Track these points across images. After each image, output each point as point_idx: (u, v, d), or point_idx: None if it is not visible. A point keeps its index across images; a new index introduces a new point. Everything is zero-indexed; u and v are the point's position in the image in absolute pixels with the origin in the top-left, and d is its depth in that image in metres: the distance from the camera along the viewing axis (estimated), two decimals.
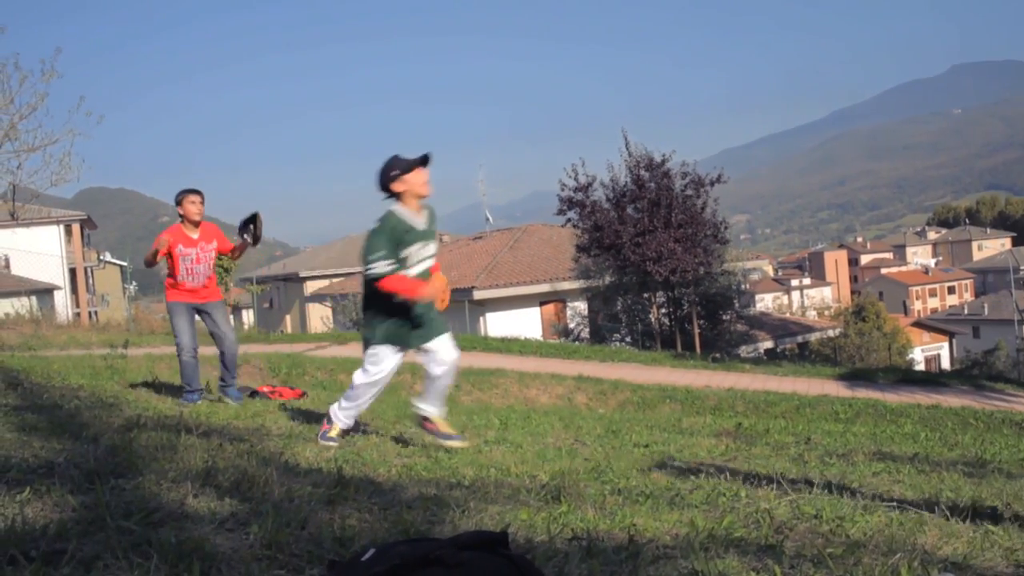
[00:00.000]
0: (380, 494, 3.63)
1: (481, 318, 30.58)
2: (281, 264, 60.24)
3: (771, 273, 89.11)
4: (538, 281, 31.34)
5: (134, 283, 42.80)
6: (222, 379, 8.12)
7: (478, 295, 29.87)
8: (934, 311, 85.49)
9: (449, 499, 3.52)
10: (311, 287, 46.41)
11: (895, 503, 3.97)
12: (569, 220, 24.73)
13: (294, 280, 48.71)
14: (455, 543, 2.15)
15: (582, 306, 30.54)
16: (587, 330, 29.92)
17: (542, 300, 31.87)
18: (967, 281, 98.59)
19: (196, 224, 7.70)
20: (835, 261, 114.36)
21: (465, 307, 29.74)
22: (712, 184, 23.84)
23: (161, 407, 6.64)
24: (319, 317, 42.37)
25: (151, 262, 7.58)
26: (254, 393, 9.03)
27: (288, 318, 50.01)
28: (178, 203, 7.70)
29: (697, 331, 25.14)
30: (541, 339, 27.78)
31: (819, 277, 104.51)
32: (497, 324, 30.07)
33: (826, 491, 4.29)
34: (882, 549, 3.00)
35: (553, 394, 14.53)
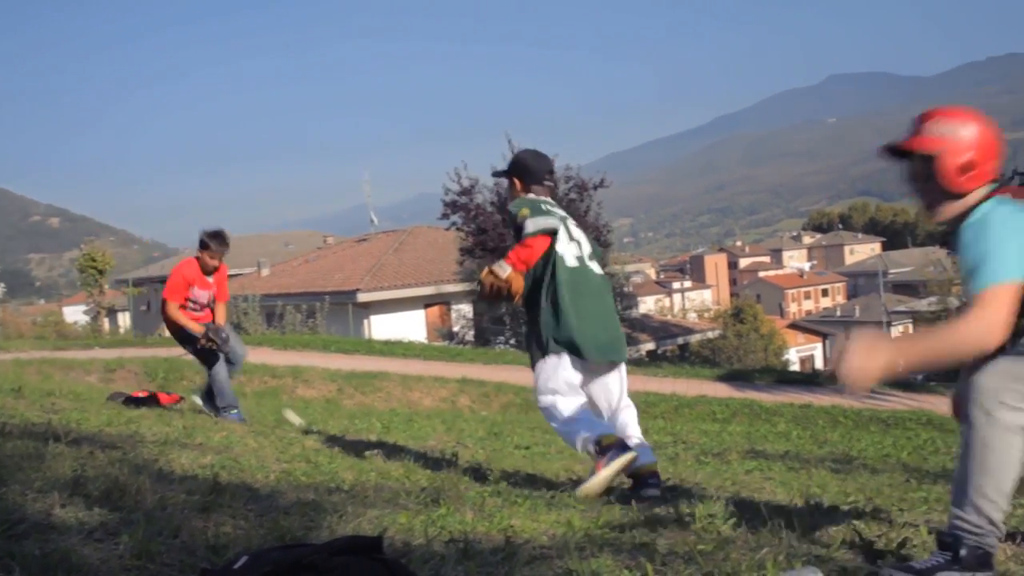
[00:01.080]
0: (257, 500, 3.59)
1: (365, 321, 30.35)
2: (159, 265, 58.66)
3: (653, 276, 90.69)
4: (423, 284, 31.26)
5: (2, 285, 41.12)
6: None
7: (362, 297, 29.65)
8: (809, 313, 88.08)
9: (327, 504, 3.51)
10: None
11: (765, 501, 4.11)
12: (453, 223, 24.74)
13: None
14: (329, 548, 2.16)
15: (467, 308, 30.57)
16: (472, 333, 29.95)
17: (427, 303, 31.80)
18: (840, 284, 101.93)
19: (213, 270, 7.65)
20: (715, 264, 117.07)
21: (349, 310, 29.49)
22: (596, 188, 24.14)
23: (28, 415, 6.41)
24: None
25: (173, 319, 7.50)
26: (128, 399, 8.78)
27: None
28: (203, 246, 7.58)
29: None
30: (426, 342, 27.72)
31: (699, 280, 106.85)
32: (382, 327, 29.89)
33: (700, 488, 4.40)
34: (750, 545, 3.10)
35: (437, 397, 14.53)
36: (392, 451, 6.11)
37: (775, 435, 8.64)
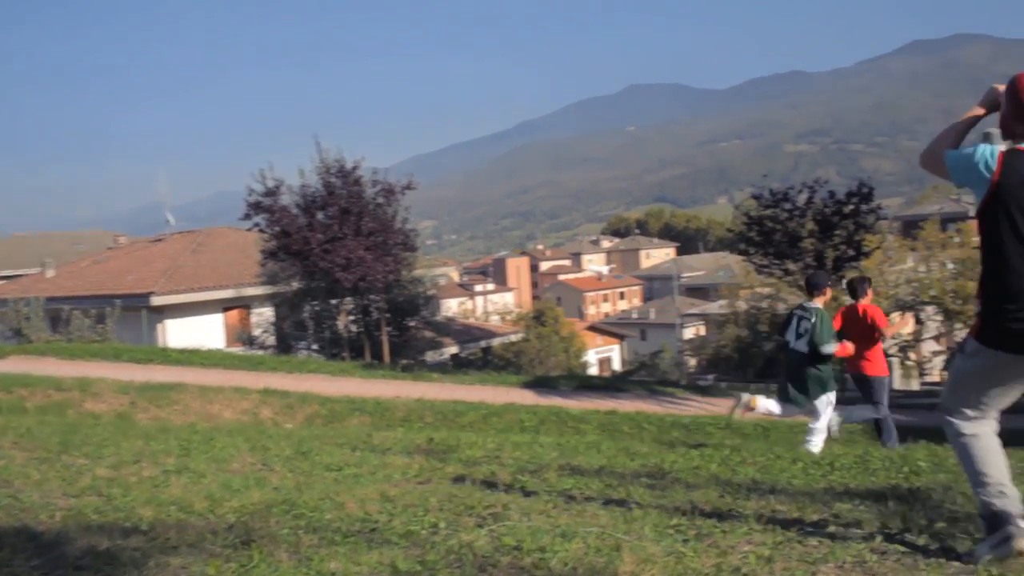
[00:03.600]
0: (43, 550, 3.20)
1: (159, 326, 28.99)
2: None
3: (456, 279, 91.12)
4: (222, 286, 30.17)
5: None
6: None
7: (156, 301, 28.32)
8: (607, 315, 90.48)
9: (125, 553, 3.16)
10: None
11: (592, 527, 4.01)
12: (257, 225, 24.00)
13: None
14: None
15: (268, 312, 29.74)
16: (273, 337, 29.16)
17: (226, 306, 30.70)
18: (636, 287, 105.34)
19: None
20: (517, 267, 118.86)
21: (143, 315, 28.14)
22: (403, 192, 23.96)
23: None
24: None
25: None
26: None
27: None
28: None
29: (386, 339, 25.15)
30: (225, 348, 26.76)
31: (502, 283, 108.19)
32: (177, 332, 28.62)
33: (525, 517, 4.27)
34: None
35: (238, 409, 13.94)
36: (193, 477, 5.72)
37: (586, 446, 8.65)
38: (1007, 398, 3.61)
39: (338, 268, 22.46)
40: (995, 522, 3.46)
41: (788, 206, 22.06)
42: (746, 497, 5.30)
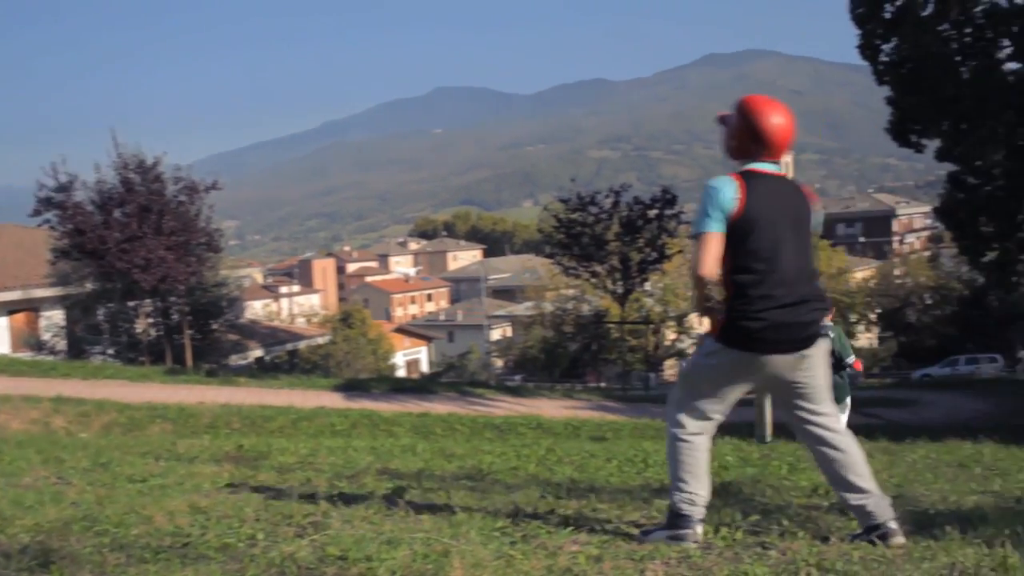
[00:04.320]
0: None
1: None
2: None
3: (261, 280, 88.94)
4: (8, 288, 28.30)
5: None
6: None
7: None
8: (415, 317, 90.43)
9: None
10: None
11: (417, 533, 3.90)
12: (47, 222, 22.71)
13: None
14: None
15: (58, 315, 28.13)
16: (64, 342, 27.60)
17: (11, 309, 28.83)
18: (444, 289, 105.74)
19: None
20: (323, 269, 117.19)
21: None
22: (207, 191, 23.22)
23: None
24: None
25: None
26: None
27: None
28: None
29: (188, 342, 24.25)
30: (11, 353, 25.14)
31: (308, 285, 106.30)
32: None
33: (347, 524, 4.13)
34: None
35: (27, 419, 13.06)
36: None
37: (401, 449, 8.56)
38: (731, 399, 3.82)
39: (137, 269, 21.53)
40: (677, 522, 3.77)
41: (595, 210, 22.61)
42: (567, 497, 5.34)
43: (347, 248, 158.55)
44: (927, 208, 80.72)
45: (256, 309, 61.15)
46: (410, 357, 64.21)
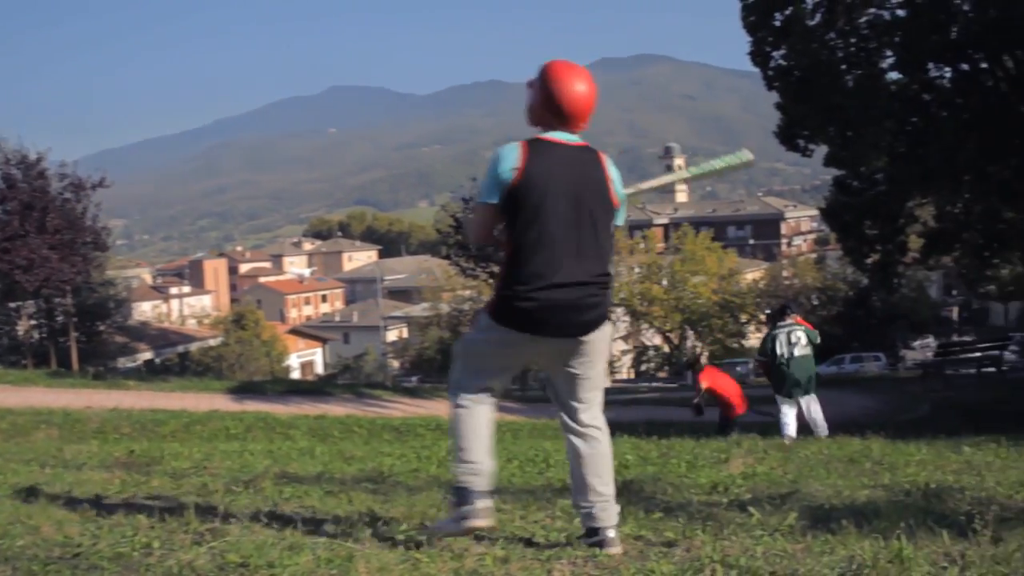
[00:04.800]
0: None
1: None
2: None
3: (150, 281, 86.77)
4: None
5: None
6: None
7: None
8: (309, 318, 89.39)
9: None
10: None
11: (320, 538, 3.83)
12: None
13: None
14: None
15: None
16: None
17: None
18: (339, 290, 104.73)
19: None
20: (215, 269, 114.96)
21: None
22: (94, 188, 22.59)
23: None
24: None
25: None
26: None
27: None
28: None
29: (74, 345, 23.51)
30: None
31: (199, 285, 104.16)
32: None
33: (247, 530, 4.03)
34: None
35: None
36: None
37: (299, 452, 8.43)
38: (508, 375, 3.78)
39: (18, 269, 20.79)
40: (460, 497, 3.59)
41: None
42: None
43: (239, 248, 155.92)
44: (814, 211, 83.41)
45: (145, 310, 59.71)
46: (305, 359, 63.45)
